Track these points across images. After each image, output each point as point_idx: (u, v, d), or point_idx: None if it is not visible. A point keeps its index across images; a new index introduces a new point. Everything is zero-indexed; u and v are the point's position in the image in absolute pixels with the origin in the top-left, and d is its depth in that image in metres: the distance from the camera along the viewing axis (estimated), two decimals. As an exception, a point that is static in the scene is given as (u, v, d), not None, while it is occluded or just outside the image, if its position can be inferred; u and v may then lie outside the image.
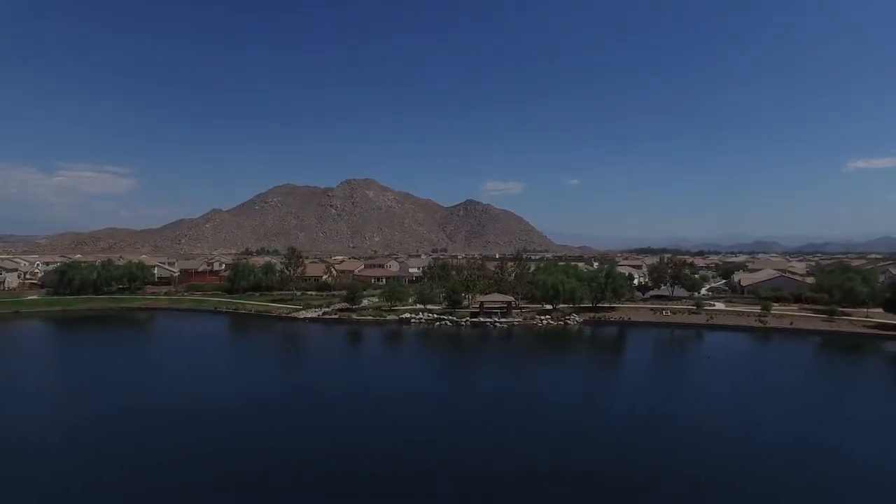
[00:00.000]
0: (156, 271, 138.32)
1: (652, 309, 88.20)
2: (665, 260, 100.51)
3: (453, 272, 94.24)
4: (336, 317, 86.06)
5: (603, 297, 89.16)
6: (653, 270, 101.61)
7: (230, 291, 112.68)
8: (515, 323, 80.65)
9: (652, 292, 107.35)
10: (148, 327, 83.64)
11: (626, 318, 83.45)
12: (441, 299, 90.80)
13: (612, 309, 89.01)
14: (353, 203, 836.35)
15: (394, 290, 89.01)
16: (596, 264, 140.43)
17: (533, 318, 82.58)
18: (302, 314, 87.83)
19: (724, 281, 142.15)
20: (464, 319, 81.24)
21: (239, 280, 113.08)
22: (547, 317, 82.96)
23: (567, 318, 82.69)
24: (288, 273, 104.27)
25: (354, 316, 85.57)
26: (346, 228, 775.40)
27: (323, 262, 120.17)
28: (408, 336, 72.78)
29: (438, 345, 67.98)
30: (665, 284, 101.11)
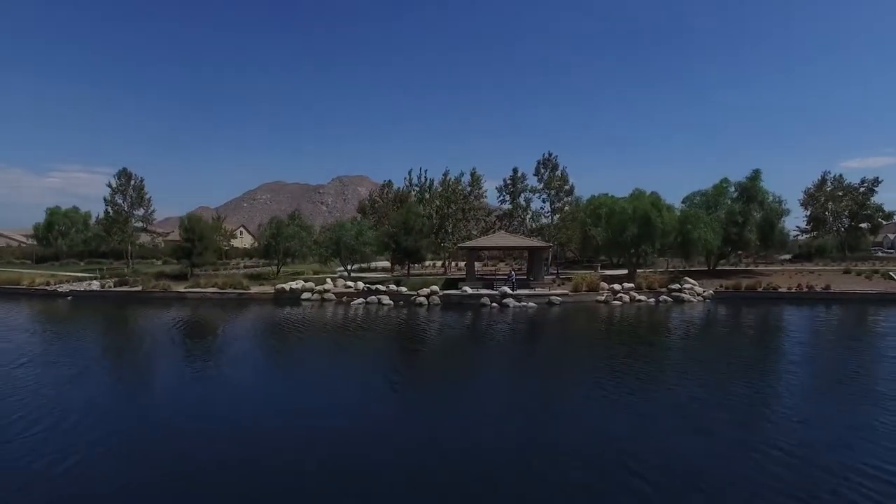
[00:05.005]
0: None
1: (850, 271, 39.65)
2: (830, 182, 51.75)
3: (415, 201, 44.99)
4: (137, 289, 37.87)
5: (738, 247, 40.76)
6: (810, 201, 52.16)
7: (43, 260, 65.27)
8: (556, 300, 32.22)
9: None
10: None
11: (810, 287, 34.99)
12: (386, 255, 42.50)
13: (750, 272, 40.75)
14: (344, 200, 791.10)
15: (280, 233, 40.40)
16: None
17: (596, 288, 34.14)
18: (69, 287, 39.72)
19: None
20: (425, 293, 32.77)
21: (56, 241, 65.07)
22: (628, 286, 34.56)
23: (675, 287, 34.36)
24: (115, 219, 55.59)
25: (179, 288, 37.38)
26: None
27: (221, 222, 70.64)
28: (243, 339, 24.46)
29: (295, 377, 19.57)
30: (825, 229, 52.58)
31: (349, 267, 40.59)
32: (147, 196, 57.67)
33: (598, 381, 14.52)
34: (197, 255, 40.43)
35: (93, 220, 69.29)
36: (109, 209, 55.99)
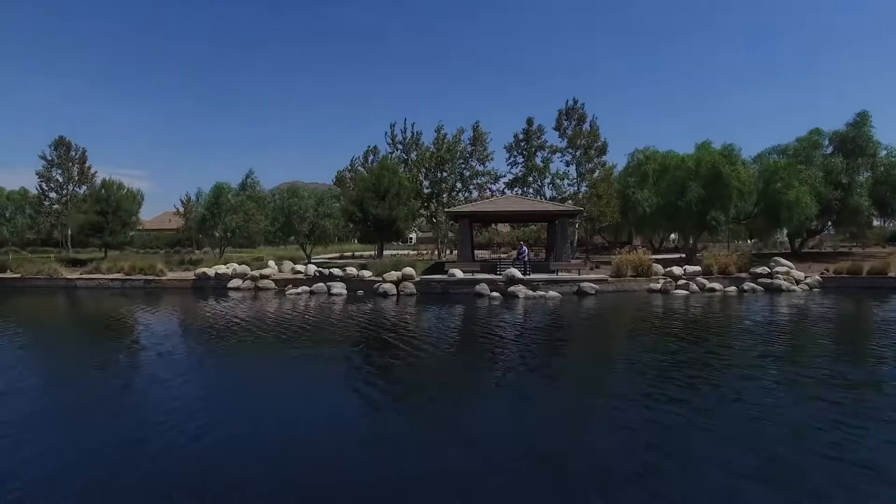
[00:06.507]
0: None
1: None
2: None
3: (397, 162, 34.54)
4: (17, 276, 28.38)
5: (841, 219, 29.52)
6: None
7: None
8: (590, 288, 21.53)
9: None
10: None
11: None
12: (356, 230, 32.31)
13: (846, 256, 29.48)
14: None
15: (219, 204, 30.49)
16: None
17: (647, 273, 23.45)
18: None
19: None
20: (393, 278, 22.46)
21: (-2, 227, 56.43)
22: (692, 269, 23.81)
23: (761, 271, 23.46)
24: (49, 197, 46.64)
25: (72, 274, 27.83)
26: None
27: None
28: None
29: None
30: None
31: (308, 249, 30.56)
32: (92, 171, 48.72)
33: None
34: (111, 233, 30.75)
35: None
36: (43, 185, 47.15)
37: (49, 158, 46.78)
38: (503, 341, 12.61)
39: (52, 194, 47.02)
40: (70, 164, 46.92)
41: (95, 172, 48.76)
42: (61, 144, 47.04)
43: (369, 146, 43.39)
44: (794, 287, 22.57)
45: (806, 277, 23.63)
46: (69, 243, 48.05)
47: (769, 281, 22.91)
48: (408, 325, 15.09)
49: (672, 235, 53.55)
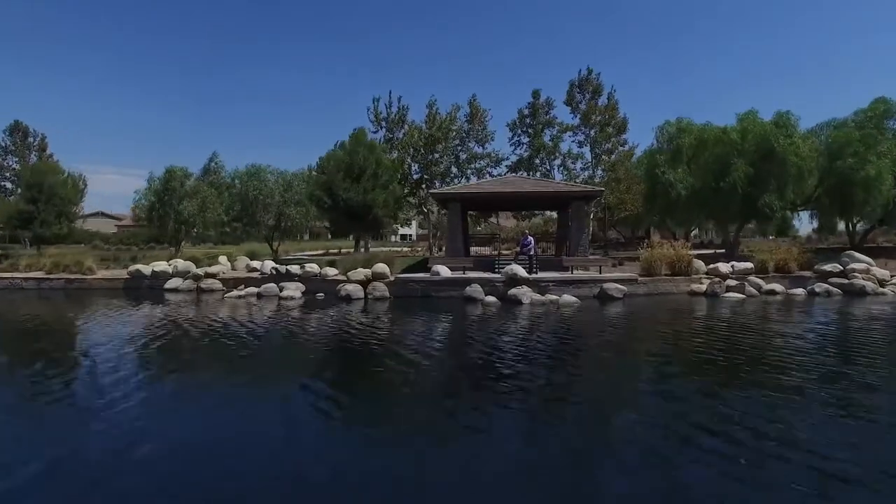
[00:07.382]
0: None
1: None
2: None
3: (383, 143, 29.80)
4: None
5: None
6: None
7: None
8: (616, 290, 16.54)
9: None
10: None
11: None
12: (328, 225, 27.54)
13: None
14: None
15: (170, 191, 25.75)
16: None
17: (687, 271, 18.48)
18: None
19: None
20: (359, 277, 17.58)
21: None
22: (742, 267, 18.78)
23: (832, 269, 18.44)
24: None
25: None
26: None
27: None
28: None
29: None
30: None
31: (276, 244, 25.80)
32: (54, 160, 44.24)
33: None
34: (42, 224, 26.21)
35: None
36: (-4, 175, 42.80)
37: (3, 145, 42.53)
38: (491, 375, 7.65)
39: (8, 184, 42.75)
40: (27, 151, 42.60)
41: (58, 161, 44.49)
42: (17, 130, 42.70)
43: (355, 129, 38.04)
44: (882, 289, 17.50)
45: (893, 277, 18.54)
46: (26, 239, 43.66)
47: (846, 282, 17.86)
48: (359, 346, 10.19)
49: (694, 232, 48.41)
